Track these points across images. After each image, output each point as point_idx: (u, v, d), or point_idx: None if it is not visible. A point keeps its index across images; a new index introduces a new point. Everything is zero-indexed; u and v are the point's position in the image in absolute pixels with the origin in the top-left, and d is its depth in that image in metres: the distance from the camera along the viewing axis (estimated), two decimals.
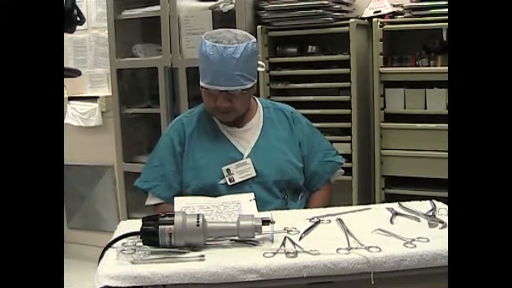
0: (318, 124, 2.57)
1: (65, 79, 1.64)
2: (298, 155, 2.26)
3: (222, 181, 2.15)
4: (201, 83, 2.14)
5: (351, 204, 2.78)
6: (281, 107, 2.36)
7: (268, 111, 2.32)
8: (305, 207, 2.23)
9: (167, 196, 2.20)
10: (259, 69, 2.24)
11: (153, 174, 2.27)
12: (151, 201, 2.28)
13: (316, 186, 2.30)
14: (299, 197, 2.25)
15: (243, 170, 2.15)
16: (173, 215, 1.53)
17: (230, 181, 2.14)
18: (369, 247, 1.49)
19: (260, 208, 1.91)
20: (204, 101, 2.21)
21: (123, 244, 1.58)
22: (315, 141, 2.32)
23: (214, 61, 2.06)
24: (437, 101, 2.93)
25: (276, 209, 2.01)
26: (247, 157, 2.18)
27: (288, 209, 2.11)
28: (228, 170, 2.15)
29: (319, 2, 3.07)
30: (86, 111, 4.22)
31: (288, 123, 2.30)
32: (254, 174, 2.16)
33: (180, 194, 2.20)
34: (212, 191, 2.11)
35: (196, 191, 2.14)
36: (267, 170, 2.17)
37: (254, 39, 2.14)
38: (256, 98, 2.37)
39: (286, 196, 2.19)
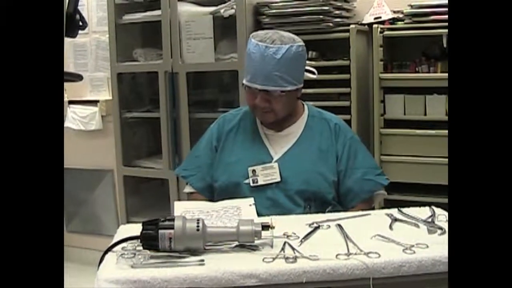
0: None
1: (65, 83, 1.64)
2: (333, 169, 2.20)
3: (246, 181, 2.15)
4: (243, 80, 2.16)
5: None
6: (326, 117, 2.31)
7: (313, 120, 2.28)
8: None
9: (199, 187, 2.25)
10: (310, 75, 2.23)
11: (191, 164, 2.33)
12: (187, 189, 2.33)
13: (351, 203, 2.21)
14: (326, 210, 2.14)
15: (268, 174, 2.14)
16: (173, 220, 1.53)
17: (253, 182, 2.14)
18: (368, 252, 1.49)
19: (281, 215, 1.91)
20: (246, 99, 2.23)
21: (123, 248, 1.58)
22: (358, 157, 2.23)
23: (255, 59, 2.08)
24: (437, 107, 2.94)
25: None
26: (275, 161, 2.17)
27: None
28: (253, 171, 2.15)
29: (319, 8, 3.08)
30: (86, 115, 4.23)
31: (330, 135, 2.24)
32: (278, 179, 2.14)
33: (211, 187, 2.24)
34: (236, 189, 2.13)
35: (223, 187, 2.18)
36: (292, 178, 2.14)
37: (301, 43, 2.14)
38: (306, 105, 2.34)
39: (309, 207, 2.14)
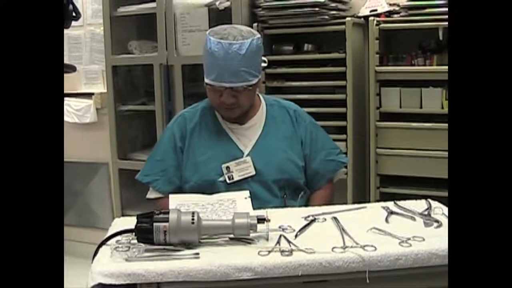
0: None
1: None
2: (299, 154, 2.25)
3: (221, 179, 2.14)
4: (206, 80, 2.13)
5: (345, 203, 2.78)
6: (285, 105, 2.34)
7: (272, 109, 2.30)
8: (305, 206, 2.21)
9: (167, 191, 2.20)
10: (262, 64, 2.23)
11: (154, 168, 2.26)
12: (151, 194, 2.28)
13: (318, 185, 2.29)
14: (299, 196, 2.23)
15: (242, 169, 2.15)
16: (168, 213, 1.53)
17: (229, 179, 2.14)
18: (365, 246, 1.49)
19: (259, 207, 1.90)
20: (209, 98, 2.21)
21: (117, 241, 1.57)
22: (319, 140, 2.30)
23: (219, 57, 2.05)
24: (433, 100, 2.93)
25: (274, 208, 2.00)
26: (247, 155, 2.17)
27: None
28: (227, 168, 2.15)
29: (315, 0, 3.06)
30: (81, 107, 4.21)
31: (291, 122, 2.28)
32: (253, 172, 2.15)
33: (180, 189, 2.20)
34: (211, 188, 2.10)
35: (195, 188, 2.14)
36: (266, 169, 2.16)
37: (259, 35, 2.13)
38: (260, 95, 2.35)
39: (285, 195, 2.19)
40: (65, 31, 1.57)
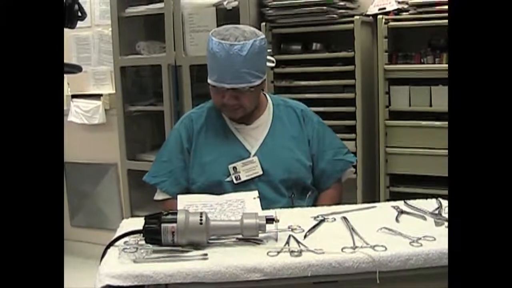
0: None
1: (68, 76, 1.62)
2: (307, 154, 2.24)
3: (228, 179, 2.14)
4: (209, 80, 2.12)
5: (355, 202, 2.76)
6: (292, 105, 2.33)
7: (278, 109, 2.29)
8: (313, 206, 2.20)
9: (174, 192, 2.19)
10: (269, 64, 2.22)
11: (161, 169, 2.26)
12: (159, 196, 2.27)
13: (326, 185, 2.28)
14: (307, 196, 2.22)
15: (249, 169, 2.14)
16: (176, 213, 1.52)
17: (236, 179, 2.13)
18: (375, 246, 1.47)
19: (266, 207, 1.90)
20: (212, 98, 2.20)
21: (125, 242, 1.57)
22: (326, 139, 2.29)
23: (220, 58, 2.05)
24: (442, 98, 2.91)
25: (282, 208, 1.99)
26: (254, 155, 2.17)
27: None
28: (234, 168, 2.14)
29: None
30: (90, 109, 4.21)
31: (298, 121, 2.27)
32: (260, 172, 2.14)
33: (187, 190, 2.20)
34: (218, 188, 2.09)
35: (202, 188, 2.13)
36: (274, 169, 2.15)
37: (262, 36, 2.12)
38: (267, 95, 2.35)
39: (293, 195, 2.18)
40: (73, 32, 1.57)
